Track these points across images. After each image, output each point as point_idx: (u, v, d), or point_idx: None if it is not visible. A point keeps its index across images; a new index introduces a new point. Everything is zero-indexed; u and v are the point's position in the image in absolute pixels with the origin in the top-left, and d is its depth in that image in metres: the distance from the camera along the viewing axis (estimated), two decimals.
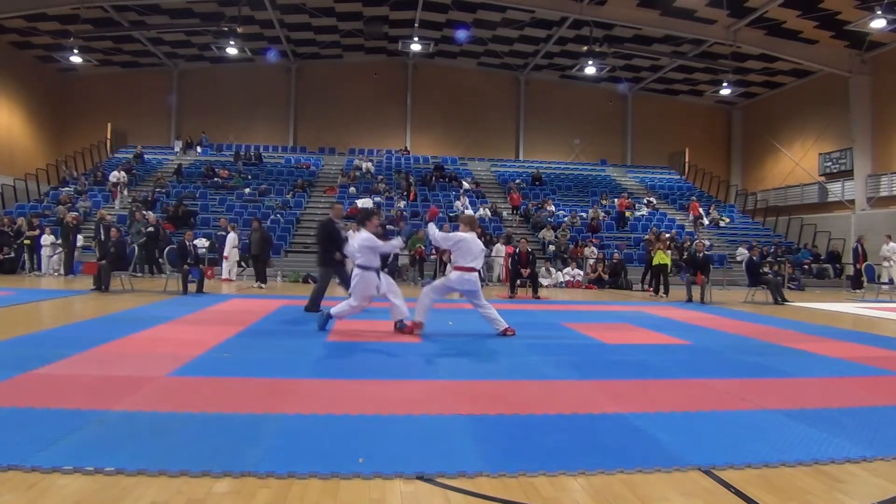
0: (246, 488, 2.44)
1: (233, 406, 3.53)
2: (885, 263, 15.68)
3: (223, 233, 15.17)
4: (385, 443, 2.99)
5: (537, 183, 23.78)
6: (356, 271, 6.58)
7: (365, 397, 3.86)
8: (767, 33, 20.19)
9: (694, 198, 23.50)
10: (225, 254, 14.70)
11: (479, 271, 6.77)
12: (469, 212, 19.96)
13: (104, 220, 15.15)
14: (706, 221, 21.49)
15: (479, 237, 7.34)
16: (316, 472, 2.57)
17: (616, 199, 22.10)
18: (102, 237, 14.45)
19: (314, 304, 8.18)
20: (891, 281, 15.34)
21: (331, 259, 8.23)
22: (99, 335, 5.78)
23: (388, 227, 17.46)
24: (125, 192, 19.66)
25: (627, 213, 21.33)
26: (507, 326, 6.63)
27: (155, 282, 13.15)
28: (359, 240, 6.62)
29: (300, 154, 26.26)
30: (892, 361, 5.62)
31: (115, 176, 20.04)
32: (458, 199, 20.74)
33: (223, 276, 14.62)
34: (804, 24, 19.11)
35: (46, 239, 15.10)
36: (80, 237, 15.32)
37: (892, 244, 15.84)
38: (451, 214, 19.48)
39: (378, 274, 6.61)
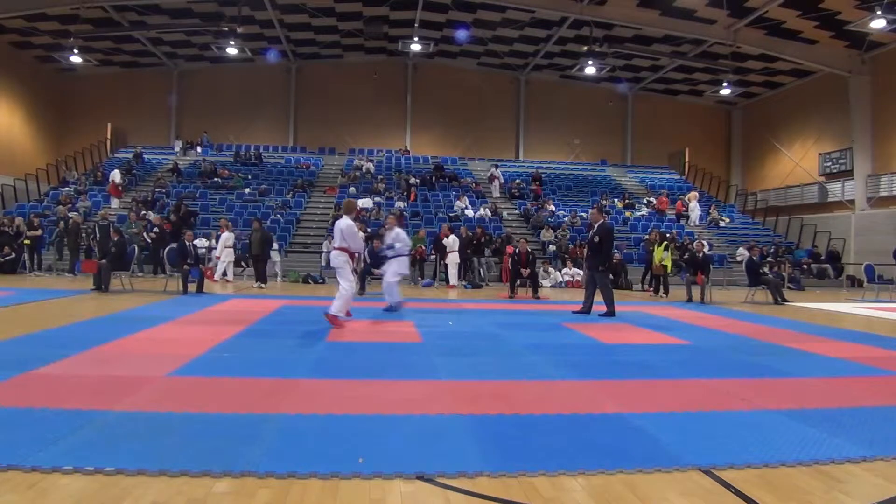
0: (246, 488, 2.44)
1: (233, 406, 3.53)
2: None
3: (219, 232, 15.12)
4: (385, 443, 2.99)
5: (537, 183, 23.76)
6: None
7: (365, 397, 3.86)
8: (767, 33, 20.17)
9: (664, 192, 23.55)
10: (216, 253, 14.52)
11: (353, 253, 7.40)
12: (468, 209, 19.97)
13: (104, 219, 15.15)
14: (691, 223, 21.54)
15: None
16: (316, 472, 2.57)
17: (654, 199, 22.29)
18: (98, 236, 14.51)
19: None
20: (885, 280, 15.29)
21: None
22: (99, 335, 5.78)
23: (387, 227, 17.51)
24: (122, 193, 19.74)
25: (627, 213, 21.34)
26: (337, 314, 6.93)
27: (155, 282, 13.14)
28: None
29: (300, 154, 26.24)
30: (892, 361, 5.62)
31: (118, 176, 20.13)
32: (458, 198, 20.72)
33: (215, 277, 14.07)
34: (804, 24, 19.10)
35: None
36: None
37: None
38: (451, 214, 19.48)
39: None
